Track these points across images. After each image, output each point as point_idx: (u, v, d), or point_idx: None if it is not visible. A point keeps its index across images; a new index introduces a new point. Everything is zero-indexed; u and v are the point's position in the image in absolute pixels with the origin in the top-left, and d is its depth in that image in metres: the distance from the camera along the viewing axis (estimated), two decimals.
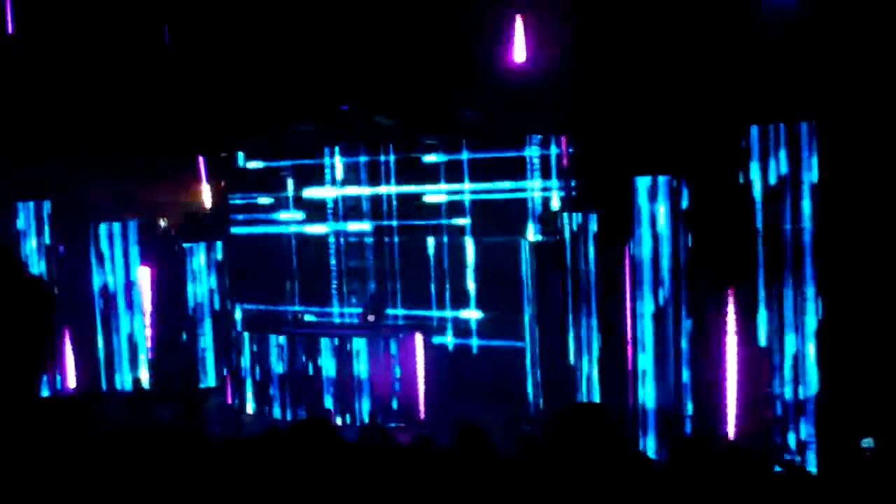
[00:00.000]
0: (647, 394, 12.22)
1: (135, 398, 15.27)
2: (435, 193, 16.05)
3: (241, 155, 17.57)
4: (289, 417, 15.81)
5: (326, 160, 16.98)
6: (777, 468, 10.29)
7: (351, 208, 16.86)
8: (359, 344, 15.58)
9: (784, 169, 10.80)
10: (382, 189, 16.55)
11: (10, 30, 15.37)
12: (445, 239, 16.07)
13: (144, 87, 15.31)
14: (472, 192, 15.75)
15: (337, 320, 16.96)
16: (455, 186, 15.85)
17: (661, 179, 12.06)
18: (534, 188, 14.90)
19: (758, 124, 11.02)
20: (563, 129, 14.17)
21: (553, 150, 14.65)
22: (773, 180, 10.86)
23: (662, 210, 12.03)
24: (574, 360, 13.38)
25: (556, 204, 14.49)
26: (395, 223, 16.52)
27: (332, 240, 17.09)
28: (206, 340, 17.68)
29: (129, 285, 17.19)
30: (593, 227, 12.97)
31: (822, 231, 10.61)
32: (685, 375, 12.00)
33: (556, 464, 4.16)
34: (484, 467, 5.59)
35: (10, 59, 15.17)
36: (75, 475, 5.93)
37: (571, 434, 4.19)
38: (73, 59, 15.06)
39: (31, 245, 17.25)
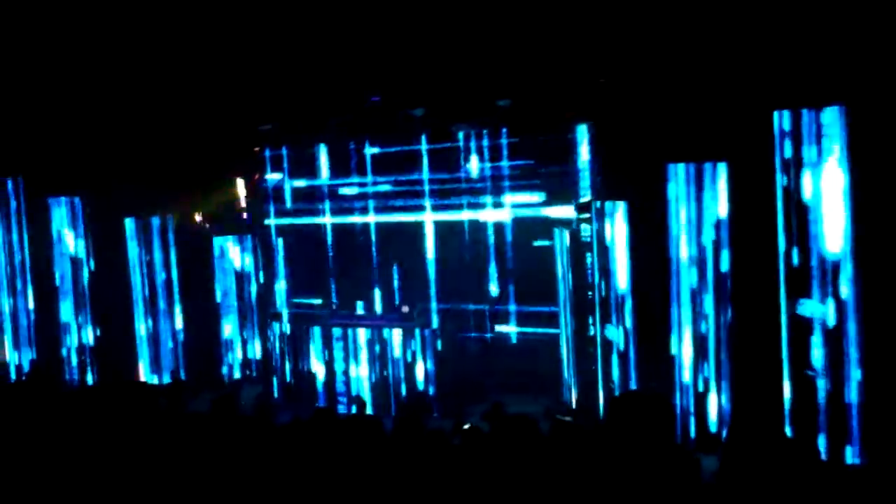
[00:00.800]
0: (687, 384, 12.15)
1: (172, 389, 15.28)
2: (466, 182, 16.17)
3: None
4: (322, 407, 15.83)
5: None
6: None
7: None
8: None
9: (817, 153, 10.63)
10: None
11: None
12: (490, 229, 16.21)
13: (175, 82, 15.38)
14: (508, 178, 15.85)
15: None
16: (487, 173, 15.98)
17: (694, 166, 11.97)
18: (572, 175, 14.92)
19: (790, 108, 10.85)
20: (595, 116, 14.11)
21: (585, 138, 14.62)
22: (807, 165, 10.71)
23: (695, 197, 11.93)
24: (612, 351, 13.35)
25: (589, 194, 14.44)
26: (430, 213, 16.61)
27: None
28: (235, 331, 17.88)
29: (163, 279, 17.29)
30: (626, 215, 12.90)
31: (862, 217, 10.42)
32: (723, 366, 11.93)
33: (608, 448, 4.11)
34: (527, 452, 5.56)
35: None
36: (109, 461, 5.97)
37: (625, 421, 4.14)
38: (102, 54, 15.12)
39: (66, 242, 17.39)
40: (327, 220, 17.56)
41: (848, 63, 10.26)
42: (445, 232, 16.47)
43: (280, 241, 18.12)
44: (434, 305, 16.50)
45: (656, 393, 11.56)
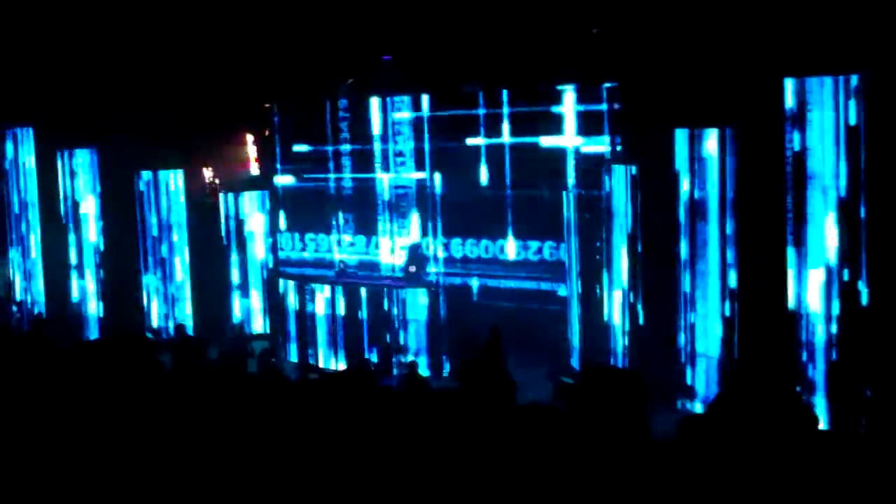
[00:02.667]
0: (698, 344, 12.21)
1: (181, 342, 15.38)
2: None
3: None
4: (327, 365, 15.95)
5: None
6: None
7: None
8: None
9: (830, 121, 10.63)
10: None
11: None
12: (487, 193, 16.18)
13: (189, 39, 15.35)
14: (514, 144, 15.77)
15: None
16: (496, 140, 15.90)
17: (704, 132, 11.96)
18: (577, 139, 14.85)
19: (803, 76, 10.83)
20: (605, 79, 14.06)
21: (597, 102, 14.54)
22: (816, 132, 10.70)
23: (704, 161, 11.94)
24: (617, 314, 13.39)
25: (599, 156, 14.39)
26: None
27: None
28: (241, 286, 17.95)
29: (172, 233, 17.36)
30: (636, 178, 12.90)
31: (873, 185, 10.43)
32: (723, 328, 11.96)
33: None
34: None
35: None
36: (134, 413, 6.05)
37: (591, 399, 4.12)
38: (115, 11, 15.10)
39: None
40: (335, 177, 17.52)
41: (863, 32, 10.22)
42: (453, 192, 16.45)
43: (289, 198, 18.10)
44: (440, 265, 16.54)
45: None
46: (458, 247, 16.39)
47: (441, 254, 16.41)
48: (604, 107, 14.40)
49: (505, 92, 15.59)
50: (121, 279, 17.39)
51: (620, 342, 13.35)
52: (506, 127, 15.67)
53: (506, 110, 15.64)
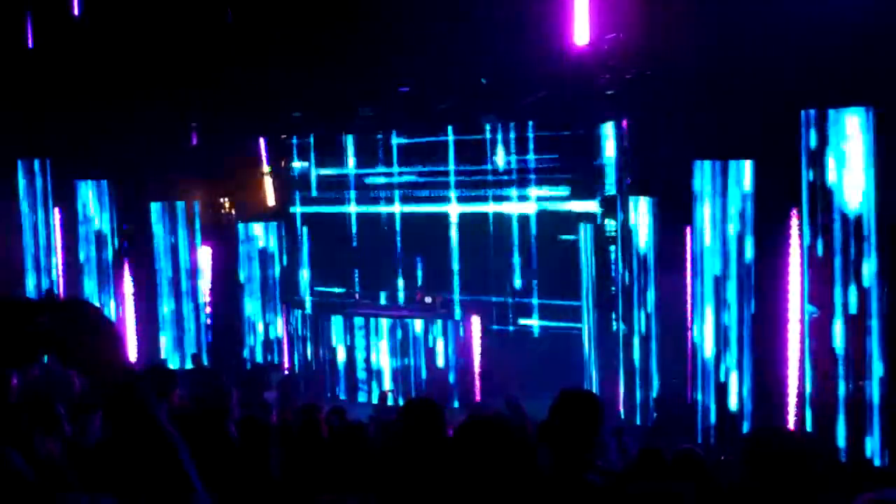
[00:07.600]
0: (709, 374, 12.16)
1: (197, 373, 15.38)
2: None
3: None
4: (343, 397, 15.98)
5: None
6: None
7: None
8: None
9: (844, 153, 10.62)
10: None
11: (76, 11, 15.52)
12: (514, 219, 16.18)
13: (207, 68, 15.37)
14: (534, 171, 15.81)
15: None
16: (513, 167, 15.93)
17: (720, 163, 11.95)
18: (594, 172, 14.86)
19: (817, 108, 10.83)
20: (623, 113, 14.08)
21: (612, 134, 14.55)
22: (835, 165, 10.69)
23: (721, 194, 11.92)
24: (633, 347, 13.38)
25: (614, 189, 14.42)
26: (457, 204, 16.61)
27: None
28: (257, 317, 17.93)
29: (190, 264, 17.39)
30: (652, 210, 12.92)
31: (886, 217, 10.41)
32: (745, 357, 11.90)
33: None
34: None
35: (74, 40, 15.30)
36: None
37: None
38: (132, 37, 15.12)
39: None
40: (352, 208, 17.57)
41: (874, 66, 10.23)
42: (469, 223, 16.43)
43: (305, 229, 18.14)
44: (457, 296, 16.52)
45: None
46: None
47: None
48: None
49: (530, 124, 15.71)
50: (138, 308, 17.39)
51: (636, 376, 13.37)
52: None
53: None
